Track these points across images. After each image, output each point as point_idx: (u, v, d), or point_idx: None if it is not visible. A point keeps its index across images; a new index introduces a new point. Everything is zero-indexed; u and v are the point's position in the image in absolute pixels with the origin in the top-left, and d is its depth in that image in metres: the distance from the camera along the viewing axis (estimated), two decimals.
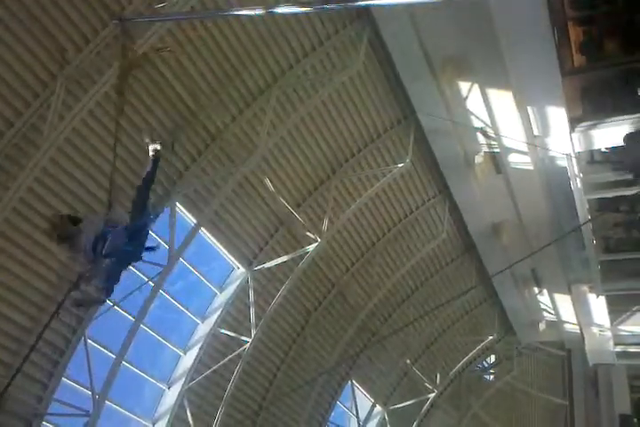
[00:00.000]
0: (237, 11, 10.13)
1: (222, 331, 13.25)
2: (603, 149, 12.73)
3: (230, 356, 13.27)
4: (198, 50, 10.26)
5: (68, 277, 10.06)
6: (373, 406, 18.46)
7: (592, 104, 11.63)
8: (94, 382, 10.96)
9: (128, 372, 12.22)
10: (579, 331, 18.03)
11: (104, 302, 6.45)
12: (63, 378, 10.75)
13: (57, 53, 8.78)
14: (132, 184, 10.45)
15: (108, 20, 8.83)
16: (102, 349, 11.56)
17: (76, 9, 8.62)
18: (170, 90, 10.35)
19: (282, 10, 7.08)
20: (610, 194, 13.17)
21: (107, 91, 9.09)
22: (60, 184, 9.63)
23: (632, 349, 17.40)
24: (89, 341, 10.93)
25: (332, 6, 8.65)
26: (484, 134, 13.09)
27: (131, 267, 11.22)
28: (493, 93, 12.04)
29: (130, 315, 11.61)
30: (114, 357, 11.43)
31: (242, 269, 13.36)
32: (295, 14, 10.32)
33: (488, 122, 12.69)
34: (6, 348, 9.84)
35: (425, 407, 19.43)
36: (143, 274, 11.53)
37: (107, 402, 11.43)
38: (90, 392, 10.98)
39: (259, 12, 7.93)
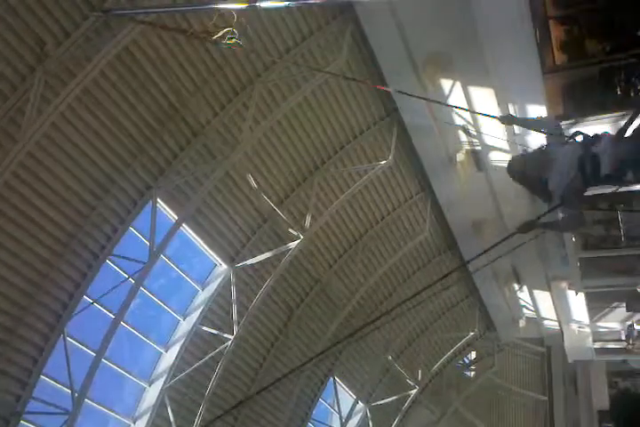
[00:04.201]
0: (220, 4, 10.02)
1: (204, 328, 13.18)
2: None
3: (212, 353, 13.20)
4: (180, 44, 10.17)
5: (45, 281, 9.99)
6: (355, 402, 18.50)
7: (573, 102, 11.72)
8: (74, 380, 10.80)
9: (108, 370, 12.10)
10: (558, 328, 18.23)
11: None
12: (42, 376, 10.61)
13: (36, 46, 8.63)
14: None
15: (88, 13, 8.70)
16: (82, 346, 11.42)
17: (54, 1, 8.48)
18: (152, 85, 10.24)
19: (265, 4, 7.06)
20: (589, 192, 13.28)
21: (86, 85, 8.98)
22: (38, 178, 9.49)
23: (611, 345, 17.62)
24: (68, 338, 10.78)
25: (315, 1, 8.65)
26: (466, 132, 13.15)
27: (110, 263, 11.16)
28: (475, 91, 12.09)
29: (110, 312, 11.49)
30: (93, 354, 11.29)
31: (224, 266, 13.29)
32: (278, 9, 10.26)
33: (470, 119, 12.77)
34: None
35: (407, 404, 19.53)
36: (123, 271, 11.43)
37: (86, 400, 11.27)
38: (69, 391, 10.82)
39: (242, 6, 7.85)
